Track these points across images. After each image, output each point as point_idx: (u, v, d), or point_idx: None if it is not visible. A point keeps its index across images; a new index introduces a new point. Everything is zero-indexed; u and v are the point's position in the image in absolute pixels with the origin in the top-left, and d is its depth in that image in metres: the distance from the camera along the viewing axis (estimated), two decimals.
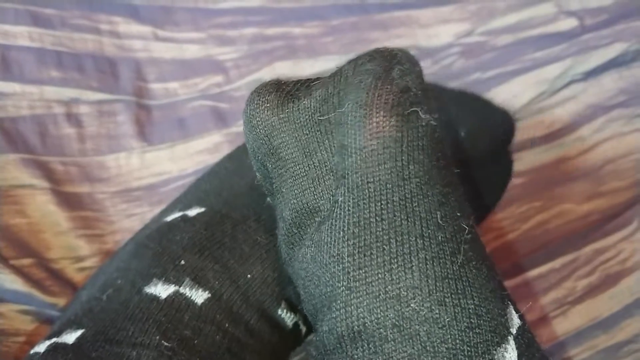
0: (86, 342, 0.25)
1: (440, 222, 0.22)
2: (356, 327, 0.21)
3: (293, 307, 0.29)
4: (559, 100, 0.45)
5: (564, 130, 0.44)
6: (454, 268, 0.22)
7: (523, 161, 0.42)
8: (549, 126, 0.44)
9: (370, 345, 0.21)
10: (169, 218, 0.31)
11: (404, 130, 0.22)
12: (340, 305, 0.22)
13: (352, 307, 0.21)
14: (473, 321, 0.21)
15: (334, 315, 0.22)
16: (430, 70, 0.48)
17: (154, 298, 0.26)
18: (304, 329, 0.30)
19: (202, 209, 0.30)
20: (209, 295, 0.26)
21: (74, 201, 0.38)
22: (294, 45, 0.48)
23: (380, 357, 0.21)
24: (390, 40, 0.49)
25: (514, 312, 0.23)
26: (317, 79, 0.26)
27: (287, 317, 0.29)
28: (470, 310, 0.21)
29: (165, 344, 0.24)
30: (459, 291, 0.21)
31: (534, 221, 0.39)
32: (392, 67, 0.24)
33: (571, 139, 0.43)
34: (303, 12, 0.49)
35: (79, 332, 0.26)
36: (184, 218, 0.30)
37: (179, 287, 0.26)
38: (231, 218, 0.30)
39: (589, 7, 0.50)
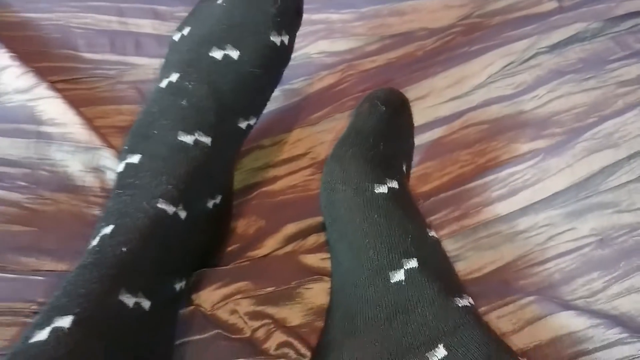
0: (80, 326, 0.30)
1: None
2: None
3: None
4: (526, 67, 0.60)
5: (526, 89, 0.59)
6: None
7: (489, 113, 0.58)
8: (516, 87, 0.59)
9: None
10: None
11: None
12: None
13: None
14: None
15: None
16: (433, 45, 0.64)
17: None
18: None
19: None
20: None
21: None
22: (332, 28, 0.66)
23: None
24: (406, 24, 0.66)
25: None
26: None
27: None
28: None
29: None
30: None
31: (488, 157, 0.55)
32: None
33: (529, 97, 0.58)
34: (340, 2, 0.67)
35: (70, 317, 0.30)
36: None
37: None
38: None
39: None
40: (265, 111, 0.59)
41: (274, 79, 0.49)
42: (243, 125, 0.46)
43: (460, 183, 0.52)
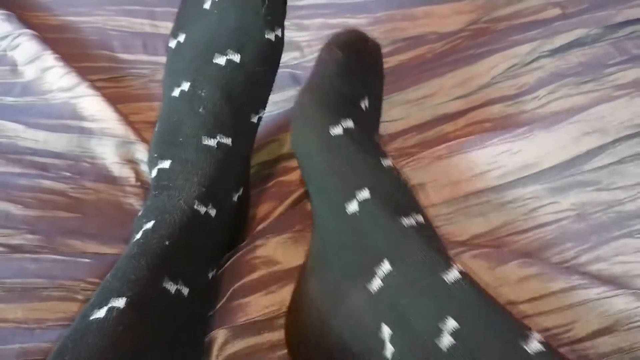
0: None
1: None
2: None
3: None
4: (529, 69, 0.64)
5: (527, 90, 0.63)
6: None
7: (492, 112, 0.62)
8: (519, 88, 0.63)
9: None
10: None
11: None
12: None
13: None
14: None
15: None
16: (442, 48, 0.69)
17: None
18: None
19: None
20: None
21: None
22: None
23: None
24: (417, 28, 0.70)
25: None
26: None
27: None
28: None
29: None
30: None
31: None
32: None
33: (530, 97, 0.62)
34: (356, 7, 0.72)
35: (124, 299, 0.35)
36: None
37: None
38: None
39: None
40: (281, 108, 0.65)
41: (275, 69, 0.53)
42: (255, 119, 0.52)
43: (457, 152, 0.57)
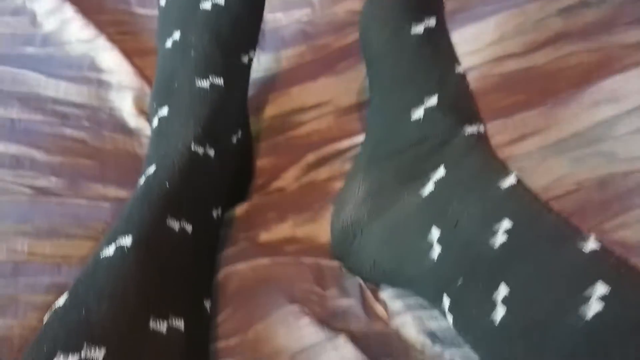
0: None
1: None
2: None
3: None
4: (537, 27, 0.65)
5: (536, 48, 0.64)
6: None
7: (501, 68, 0.63)
8: (528, 45, 0.64)
9: None
10: None
11: None
12: None
13: None
14: None
15: None
16: (452, 6, 0.69)
17: None
18: None
19: None
20: None
21: None
22: None
23: None
24: None
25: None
26: None
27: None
28: None
29: None
30: None
31: (500, 104, 0.61)
32: None
33: (539, 54, 0.63)
34: None
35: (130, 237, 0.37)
36: None
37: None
38: None
39: None
40: (293, 63, 0.66)
41: (260, 9, 0.55)
42: (245, 60, 0.53)
43: None
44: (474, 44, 0.65)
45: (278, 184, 0.56)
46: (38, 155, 0.53)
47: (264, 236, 0.51)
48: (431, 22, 0.44)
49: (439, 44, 0.45)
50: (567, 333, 0.29)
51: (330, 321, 0.42)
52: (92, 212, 0.49)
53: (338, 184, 0.53)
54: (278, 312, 0.41)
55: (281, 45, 0.68)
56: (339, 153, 0.57)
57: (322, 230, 0.51)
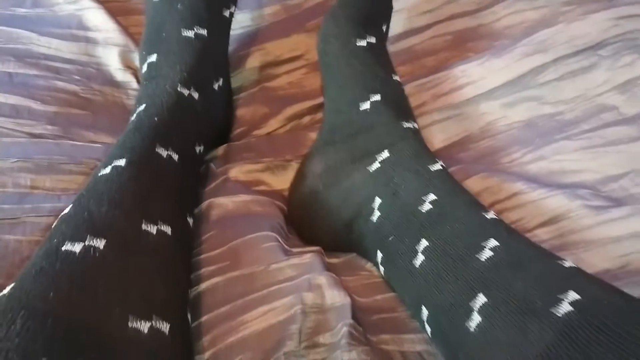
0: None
1: None
2: None
3: None
4: None
5: (486, 6, 0.70)
6: None
7: (454, 26, 0.70)
8: (478, 4, 0.71)
9: None
10: None
11: None
12: None
13: None
14: None
15: None
16: None
17: None
18: None
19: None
20: None
21: None
22: None
23: None
24: None
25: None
26: None
27: None
28: None
29: None
30: None
31: (449, 62, 0.68)
32: None
33: (488, 12, 0.70)
34: None
35: (124, 160, 0.43)
36: None
37: None
38: None
39: None
40: (267, 22, 0.72)
41: None
42: (227, 13, 0.60)
43: (423, 76, 0.66)
44: (430, 3, 0.71)
45: (258, 132, 0.63)
46: (35, 105, 0.59)
47: (236, 173, 0.57)
48: (372, 39, 0.56)
49: (379, 56, 0.56)
50: (469, 272, 0.37)
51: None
52: (86, 151, 0.55)
53: (312, 137, 0.60)
54: (255, 234, 0.48)
55: (258, 4, 0.74)
56: (315, 109, 0.64)
57: (289, 180, 0.58)
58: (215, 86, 0.58)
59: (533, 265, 0.36)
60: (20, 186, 0.50)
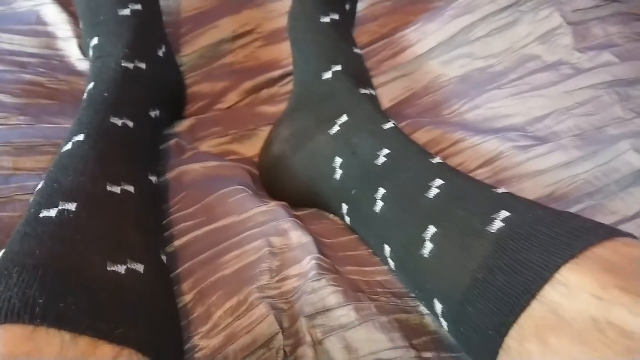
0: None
1: None
2: None
3: None
4: None
5: None
6: None
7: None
8: None
9: None
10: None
11: None
12: None
13: None
14: None
15: None
16: None
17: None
18: None
19: None
20: None
21: None
22: None
23: None
24: None
25: None
26: None
27: None
28: None
29: None
30: None
31: (389, 27, 0.74)
32: None
33: None
34: None
35: (82, 134, 0.46)
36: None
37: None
38: None
39: None
40: (219, 1, 0.76)
41: None
42: None
43: (366, 45, 0.72)
44: None
45: (219, 106, 0.68)
46: (5, 98, 0.62)
47: (206, 147, 0.63)
48: (335, 16, 0.62)
49: (342, 31, 0.62)
50: (420, 209, 0.42)
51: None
52: (58, 132, 0.59)
53: (271, 109, 0.65)
54: (225, 189, 0.53)
55: None
56: (273, 81, 0.70)
57: (256, 147, 0.63)
58: (160, 53, 0.63)
59: (472, 195, 0.42)
60: (4, 168, 0.54)
